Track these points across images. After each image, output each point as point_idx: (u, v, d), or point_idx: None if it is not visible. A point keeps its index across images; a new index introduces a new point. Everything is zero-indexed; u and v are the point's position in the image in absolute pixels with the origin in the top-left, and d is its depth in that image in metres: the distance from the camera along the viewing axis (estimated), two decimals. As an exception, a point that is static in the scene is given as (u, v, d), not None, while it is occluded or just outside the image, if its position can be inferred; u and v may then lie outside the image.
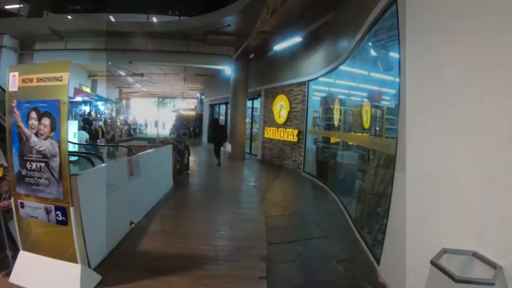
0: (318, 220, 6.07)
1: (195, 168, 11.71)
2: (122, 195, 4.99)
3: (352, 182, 7.64)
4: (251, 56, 14.52)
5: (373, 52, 7.30)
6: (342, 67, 8.50)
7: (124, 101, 37.60)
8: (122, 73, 22.89)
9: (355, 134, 7.62)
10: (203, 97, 28.36)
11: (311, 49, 10.70)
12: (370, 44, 7.03)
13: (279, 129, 12.89)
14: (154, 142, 9.18)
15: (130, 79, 26.66)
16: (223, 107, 21.61)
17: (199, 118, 27.79)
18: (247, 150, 15.95)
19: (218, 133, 12.92)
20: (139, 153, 6.33)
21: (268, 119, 14.01)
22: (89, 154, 7.63)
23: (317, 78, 10.48)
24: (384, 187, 5.35)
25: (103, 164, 4.76)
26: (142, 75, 23.11)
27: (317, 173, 10.16)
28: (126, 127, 25.36)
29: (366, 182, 5.92)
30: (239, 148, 14.47)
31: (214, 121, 14.07)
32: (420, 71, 3.33)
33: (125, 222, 5.05)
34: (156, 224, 5.43)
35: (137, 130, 30.47)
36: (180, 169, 9.41)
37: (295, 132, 11.70)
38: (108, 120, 21.73)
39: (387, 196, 5.20)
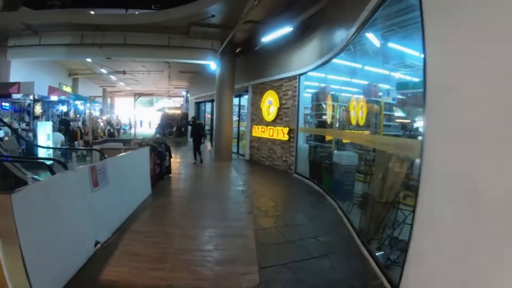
0: (317, 232, 5.28)
1: (178, 170, 10.82)
2: (84, 211, 4.13)
3: (351, 185, 6.91)
4: (238, 50, 13.69)
5: (374, 43, 6.59)
6: (338, 60, 7.78)
7: (108, 100, 36.45)
8: (103, 71, 22.01)
9: (358, 132, 6.89)
10: (188, 95, 27.51)
11: (303, 41, 9.91)
12: (370, 34, 6.30)
13: (268, 127, 12.10)
14: (130, 144, 8.20)
15: (113, 77, 25.69)
16: (209, 105, 20.78)
17: (185, 116, 26.87)
18: (234, 149, 15.11)
19: (196, 132, 12.53)
20: (107, 159, 5.44)
21: (256, 117, 13.21)
22: (47, 159, 6.67)
23: (309, 71, 9.71)
24: (394, 195, 4.63)
25: (56, 175, 3.85)
26: (124, 72, 22.23)
27: (311, 175, 9.39)
28: (108, 128, 24.18)
29: (372, 188, 5.17)
30: (226, 148, 13.65)
31: (192, 120, 13.66)
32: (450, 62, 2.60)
33: (88, 243, 4.17)
34: (127, 243, 4.55)
35: (121, 131, 29.29)
36: (160, 173, 8.53)
37: (286, 130, 10.92)
38: (88, 121, 20.61)
39: (398, 205, 4.48)
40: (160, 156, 8.46)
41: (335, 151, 7.64)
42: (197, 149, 12.40)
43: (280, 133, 11.24)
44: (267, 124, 12.20)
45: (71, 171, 3.97)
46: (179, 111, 30.15)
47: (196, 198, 7.40)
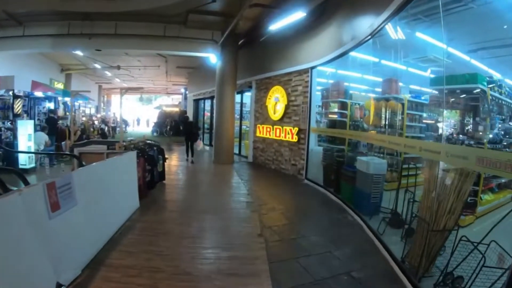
0: (348, 264, 4.10)
1: (173, 176, 9.60)
2: (36, 246, 2.94)
3: (379, 198, 5.75)
4: (241, 41, 12.46)
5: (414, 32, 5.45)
6: (359, 53, 6.64)
7: (105, 97, 35.30)
8: (97, 66, 20.87)
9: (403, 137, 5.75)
10: (187, 92, 26.44)
11: (318, 28, 8.67)
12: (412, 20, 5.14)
13: (275, 126, 10.93)
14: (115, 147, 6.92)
15: (108, 73, 24.54)
16: (208, 102, 19.60)
17: (183, 114, 25.84)
18: (236, 150, 13.90)
19: (188, 130, 12.48)
20: (74, 171, 4.25)
21: (261, 115, 12.04)
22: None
23: (323, 64, 8.53)
24: (454, 221, 3.47)
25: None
26: (118, 67, 21.14)
27: (325, 182, 8.20)
28: (102, 126, 22.82)
29: (422, 209, 3.97)
30: (227, 149, 12.45)
31: (184, 118, 13.40)
32: None
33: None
34: (99, 287, 3.36)
35: (117, 129, 28.08)
36: (152, 181, 7.30)
37: (295, 130, 9.75)
38: (82, 119, 19.38)
39: (458, 231, 3.34)
40: (151, 161, 7.25)
41: (358, 157, 6.44)
42: (189, 147, 12.27)
43: (289, 134, 10.08)
44: (273, 123, 11.02)
45: (13, 194, 2.76)
46: (177, 109, 29.31)
47: (193, 213, 6.10)
